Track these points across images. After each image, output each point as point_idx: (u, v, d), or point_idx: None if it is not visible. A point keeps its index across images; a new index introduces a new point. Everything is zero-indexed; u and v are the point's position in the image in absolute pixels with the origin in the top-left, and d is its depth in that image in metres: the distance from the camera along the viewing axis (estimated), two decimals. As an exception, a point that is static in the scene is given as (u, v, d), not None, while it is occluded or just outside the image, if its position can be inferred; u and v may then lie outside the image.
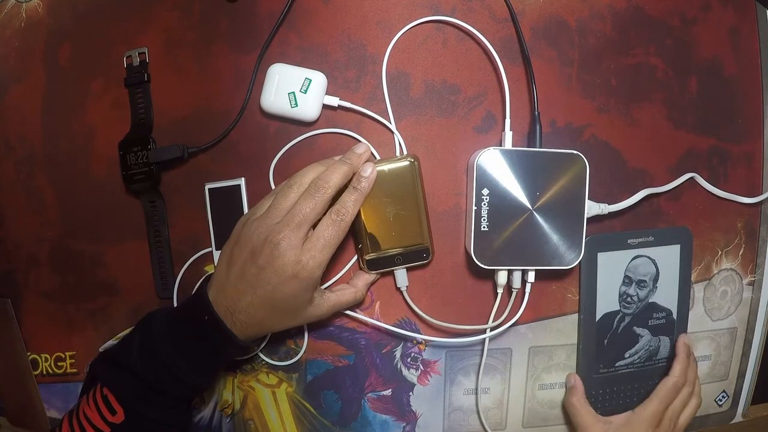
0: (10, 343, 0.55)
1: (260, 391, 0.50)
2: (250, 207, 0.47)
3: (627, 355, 0.51)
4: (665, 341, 0.52)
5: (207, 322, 0.40)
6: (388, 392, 0.50)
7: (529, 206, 0.44)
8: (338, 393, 0.49)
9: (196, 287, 0.44)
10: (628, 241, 0.50)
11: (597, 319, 0.50)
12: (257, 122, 0.47)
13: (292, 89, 0.45)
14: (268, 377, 0.50)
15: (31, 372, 0.55)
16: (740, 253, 0.52)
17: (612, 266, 0.50)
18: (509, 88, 0.45)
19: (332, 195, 0.40)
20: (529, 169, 0.44)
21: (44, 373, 0.55)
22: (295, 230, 0.39)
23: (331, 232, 0.40)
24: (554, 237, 0.44)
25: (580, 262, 0.45)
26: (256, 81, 0.46)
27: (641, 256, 0.50)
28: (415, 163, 0.45)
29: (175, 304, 0.49)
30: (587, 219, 0.45)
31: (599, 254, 0.49)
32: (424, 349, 0.49)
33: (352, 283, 0.46)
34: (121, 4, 0.50)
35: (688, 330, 0.52)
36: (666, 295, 0.51)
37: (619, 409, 0.50)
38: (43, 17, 0.52)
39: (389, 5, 0.47)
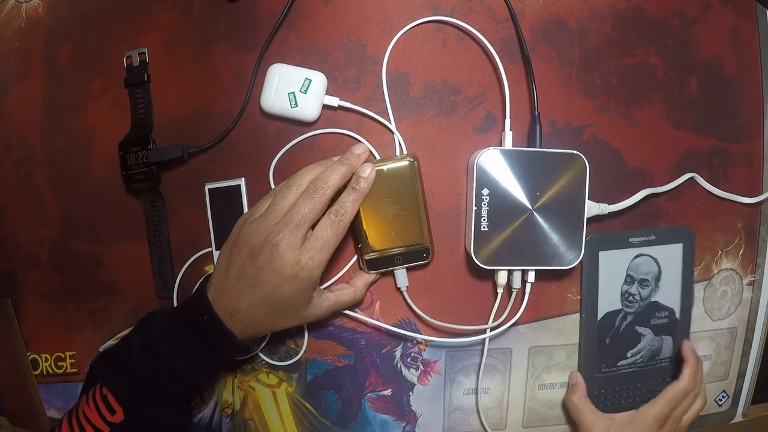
0: (10, 343, 0.55)
1: (260, 391, 0.50)
2: (250, 207, 0.47)
3: (629, 354, 0.51)
4: (668, 341, 0.52)
5: (206, 322, 0.40)
6: (388, 392, 0.50)
7: (529, 206, 0.44)
8: (338, 393, 0.49)
9: (195, 287, 0.44)
10: (630, 239, 0.49)
11: (599, 318, 0.50)
12: (257, 122, 0.47)
13: (292, 89, 0.45)
14: (268, 377, 0.50)
15: (31, 372, 0.55)
16: (740, 253, 0.52)
17: (613, 265, 0.50)
18: (509, 88, 0.45)
19: (331, 196, 0.40)
20: (529, 169, 0.44)
21: (44, 373, 0.55)
22: (294, 231, 0.39)
23: (329, 232, 0.40)
24: (554, 237, 0.44)
25: (581, 260, 0.45)
26: (256, 81, 0.46)
27: (643, 255, 0.50)
28: (415, 162, 0.45)
29: (175, 304, 0.49)
30: (587, 219, 0.45)
31: (600, 253, 0.49)
32: (424, 349, 0.49)
33: (351, 282, 0.46)
34: (121, 4, 0.50)
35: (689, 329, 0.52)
36: (668, 294, 0.51)
37: (621, 409, 0.50)
38: (43, 17, 0.52)
39: (389, 5, 0.47)
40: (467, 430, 0.51)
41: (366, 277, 0.46)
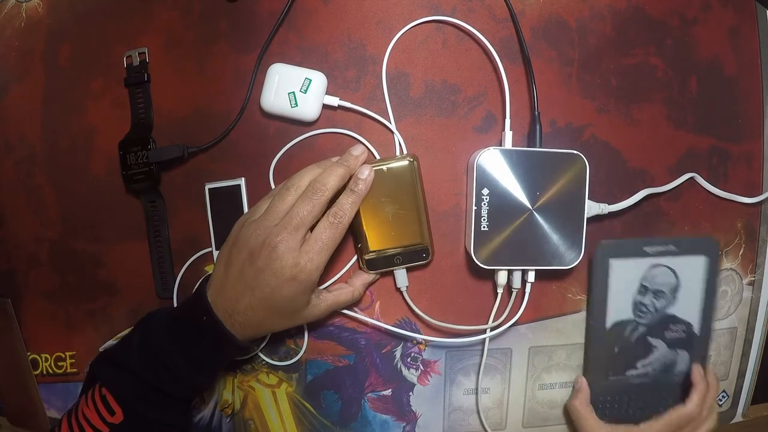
0: (10, 343, 0.55)
1: (260, 391, 0.50)
2: (250, 207, 0.47)
3: (639, 365, 0.49)
4: (683, 355, 0.49)
5: (206, 322, 0.40)
6: (388, 392, 0.50)
7: (529, 206, 0.44)
8: (338, 393, 0.49)
9: (195, 287, 0.43)
10: (645, 248, 0.47)
11: (608, 327, 0.48)
12: (257, 122, 0.47)
13: (292, 89, 0.45)
14: (268, 377, 0.50)
15: (31, 372, 0.55)
16: (740, 253, 0.52)
17: (626, 274, 0.47)
18: (509, 88, 0.45)
19: (329, 197, 0.40)
20: (529, 169, 0.43)
21: (44, 373, 0.55)
22: (292, 233, 0.39)
23: (328, 234, 0.40)
24: (554, 237, 0.44)
25: (589, 267, 0.44)
26: (256, 81, 0.46)
27: (660, 265, 0.47)
28: (415, 162, 0.45)
29: (175, 305, 0.49)
30: (587, 219, 0.45)
31: (612, 261, 0.47)
32: (424, 349, 0.49)
33: (350, 282, 0.46)
34: (121, 4, 0.50)
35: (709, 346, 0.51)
36: (686, 308, 0.48)
37: (623, 418, 0.49)
38: (43, 17, 0.52)
39: (389, 5, 0.47)
40: (467, 430, 0.51)
41: (365, 277, 0.46)
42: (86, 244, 0.52)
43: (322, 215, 0.41)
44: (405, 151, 0.47)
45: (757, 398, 0.55)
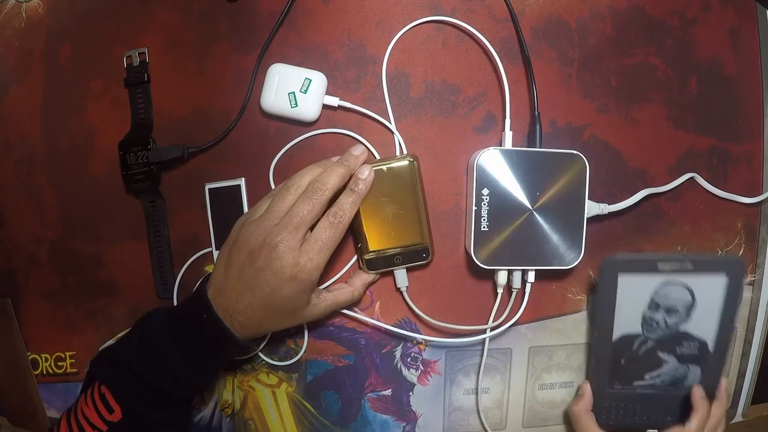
0: (10, 343, 0.55)
1: (260, 391, 0.50)
2: (250, 207, 0.47)
3: (647, 376, 0.48)
4: (695, 370, 0.47)
5: (206, 321, 0.40)
6: (388, 392, 0.50)
7: (529, 206, 0.44)
8: (338, 393, 0.49)
9: (195, 287, 0.43)
10: (658, 265, 0.44)
11: (614, 339, 0.47)
12: (257, 122, 0.47)
13: (292, 89, 0.45)
14: (268, 377, 0.50)
15: (31, 372, 0.55)
16: (740, 253, 0.52)
17: (635, 290, 0.45)
18: (509, 88, 0.45)
19: (329, 197, 0.40)
20: (529, 169, 0.43)
21: (44, 373, 0.55)
22: (292, 232, 0.39)
23: (328, 234, 0.40)
24: (554, 237, 0.44)
25: (595, 280, 0.43)
26: (256, 81, 0.46)
27: (674, 283, 0.45)
28: (414, 162, 0.45)
29: (175, 304, 0.49)
30: (587, 219, 0.45)
31: (620, 276, 0.45)
32: (424, 349, 0.49)
33: (350, 282, 0.46)
34: (121, 4, 0.50)
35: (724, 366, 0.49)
36: (702, 327, 0.46)
37: (625, 425, 0.48)
38: (43, 17, 0.52)
39: (389, 5, 0.47)
40: (467, 430, 0.51)
41: (365, 277, 0.46)
42: (86, 244, 0.52)
43: (322, 215, 0.41)
44: (405, 151, 0.47)
45: (757, 398, 0.55)
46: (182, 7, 0.48)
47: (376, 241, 0.45)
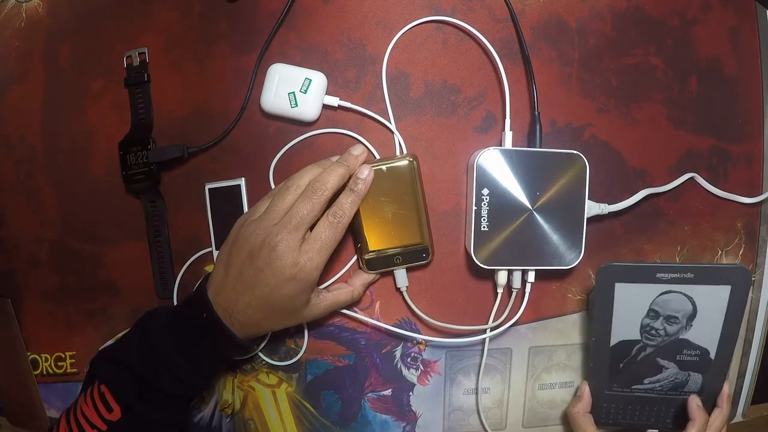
0: (10, 343, 0.55)
1: (260, 391, 0.50)
2: (250, 207, 0.47)
3: (647, 381, 0.47)
4: (696, 377, 0.47)
5: (206, 320, 0.40)
6: (388, 392, 0.50)
7: (529, 206, 0.44)
8: (338, 393, 0.49)
9: (195, 286, 0.43)
10: (658, 275, 0.43)
11: (612, 344, 0.46)
12: (257, 122, 0.47)
13: (292, 89, 0.45)
14: (268, 377, 0.50)
15: (31, 372, 0.55)
16: (740, 253, 0.52)
17: (633, 299, 0.44)
18: (509, 88, 0.45)
19: (329, 197, 0.40)
20: (529, 169, 0.43)
21: (44, 373, 0.55)
22: (292, 232, 0.39)
23: (328, 233, 0.40)
24: (554, 237, 0.44)
25: (592, 289, 0.43)
26: (256, 81, 0.46)
27: (674, 291, 0.44)
28: (414, 162, 0.45)
29: (175, 304, 0.49)
30: (587, 219, 0.45)
31: (617, 285, 0.44)
32: (424, 349, 0.49)
33: (350, 282, 0.46)
34: (121, 4, 0.50)
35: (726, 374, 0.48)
36: (703, 335, 0.45)
37: (623, 425, 0.48)
38: (43, 17, 0.52)
39: (389, 5, 0.47)
40: (467, 430, 0.51)
41: (365, 277, 0.46)
42: (86, 244, 0.52)
43: (322, 215, 0.41)
44: (405, 151, 0.47)
45: (757, 398, 0.55)
46: (182, 7, 0.48)
47: (375, 241, 0.45)
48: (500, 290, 0.47)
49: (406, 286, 0.47)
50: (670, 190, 0.49)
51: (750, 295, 0.53)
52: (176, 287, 0.49)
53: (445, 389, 0.50)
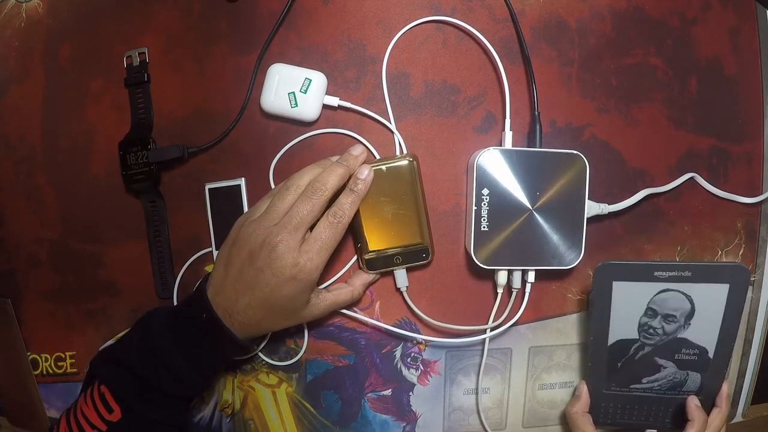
0: (10, 343, 0.55)
1: (260, 391, 0.50)
2: (250, 207, 0.47)
3: (645, 380, 0.47)
4: (695, 376, 0.47)
5: (205, 320, 0.40)
6: (388, 392, 0.50)
7: (529, 206, 0.44)
8: (338, 393, 0.49)
9: (195, 286, 0.43)
10: (655, 273, 0.43)
11: (609, 343, 0.46)
12: (257, 122, 0.47)
13: (292, 89, 0.45)
14: (268, 377, 0.50)
15: (31, 372, 0.55)
16: (740, 253, 0.52)
17: (631, 297, 0.44)
18: (509, 88, 0.45)
19: (329, 197, 0.40)
20: (529, 169, 0.43)
21: (44, 373, 0.55)
22: (292, 232, 0.39)
23: (328, 234, 0.40)
24: (554, 237, 0.44)
25: (590, 288, 0.43)
26: (256, 81, 0.46)
27: (671, 290, 0.44)
28: (414, 162, 0.45)
29: (175, 304, 0.49)
30: (587, 219, 0.45)
31: (615, 283, 0.44)
32: (424, 349, 0.49)
33: (350, 282, 0.46)
34: (121, 4, 0.50)
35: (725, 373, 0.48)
36: (701, 334, 0.45)
37: (622, 425, 0.48)
38: (43, 17, 0.52)
39: (389, 5, 0.47)
40: (467, 430, 0.51)
41: (365, 277, 0.46)
42: (86, 244, 0.52)
43: (322, 215, 0.41)
44: (405, 151, 0.47)
45: (757, 398, 0.55)
46: (182, 7, 0.48)
47: (375, 241, 0.45)
48: (500, 290, 0.47)
49: (406, 286, 0.47)
50: (670, 190, 0.49)
51: (750, 295, 0.53)
52: (176, 287, 0.49)
53: (445, 389, 0.50)
